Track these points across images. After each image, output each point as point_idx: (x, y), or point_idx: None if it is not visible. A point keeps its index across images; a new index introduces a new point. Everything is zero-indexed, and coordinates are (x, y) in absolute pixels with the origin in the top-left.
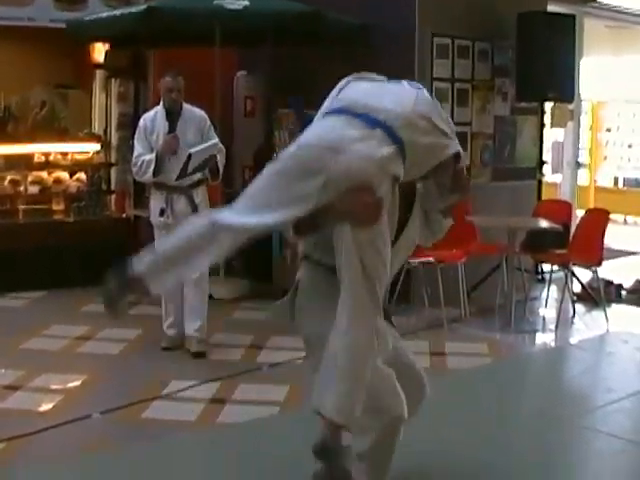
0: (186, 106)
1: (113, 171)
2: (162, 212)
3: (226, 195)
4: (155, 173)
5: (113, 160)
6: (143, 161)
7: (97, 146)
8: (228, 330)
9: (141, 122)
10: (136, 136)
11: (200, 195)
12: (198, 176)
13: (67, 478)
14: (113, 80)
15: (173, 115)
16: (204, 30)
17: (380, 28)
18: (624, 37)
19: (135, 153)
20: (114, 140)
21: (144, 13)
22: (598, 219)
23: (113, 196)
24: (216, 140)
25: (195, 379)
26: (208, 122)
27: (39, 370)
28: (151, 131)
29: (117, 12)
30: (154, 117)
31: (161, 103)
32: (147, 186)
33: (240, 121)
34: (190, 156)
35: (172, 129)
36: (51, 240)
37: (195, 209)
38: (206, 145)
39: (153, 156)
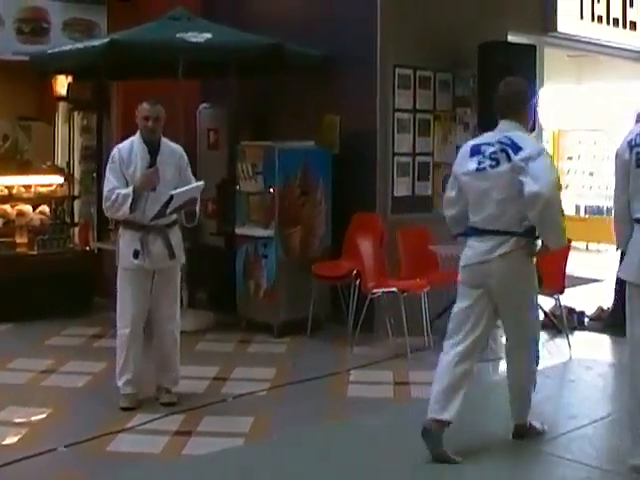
0: (164, 139)
1: (76, 204)
2: (136, 254)
3: (188, 229)
4: (131, 209)
5: (76, 193)
6: (118, 195)
7: (60, 179)
8: (193, 362)
9: (115, 153)
10: (109, 167)
11: (175, 236)
12: (174, 216)
13: None
14: (76, 113)
15: (151, 148)
16: (167, 62)
17: (343, 59)
18: (585, 66)
19: (108, 186)
20: (77, 173)
21: (107, 46)
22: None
23: (76, 229)
24: (201, 182)
25: (160, 412)
26: (186, 158)
27: (3, 403)
28: (128, 164)
29: (80, 45)
30: (130, 148)
31: (138, 133)
32: (111, 221)
33: (203, 153)
34: (172, 197)
35: (152, 163)
36: (15, 273)
37: (172, 251)
38: (190, 187)
39: (130, 191)
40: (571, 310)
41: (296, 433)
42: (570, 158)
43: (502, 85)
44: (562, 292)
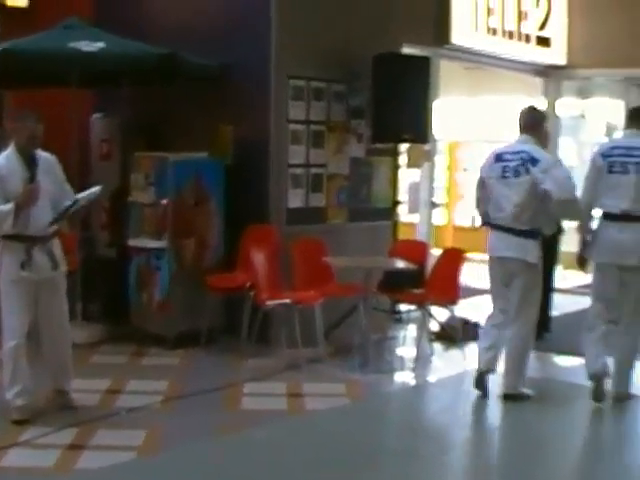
0: (39, 151)
1: None
2: (23, 265)
3: (83, 240)
4: (13, 224)
5: None
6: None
7: None
8: (86, 375)
9: None
10: None
11: (56, 247)
12: (55, 227)
13: None
14: None
15: (29, 161)
16: (60, 72)
17: (237, 69)
18: (481, 78)
19: None
20: None
21: None
22: (454, 258)
23: None
24: (99, 187)
25: (53, 425)
26: (59, 166)
27: None
28: (7, 179)
29: None
30: (7, 164)
31: (12, 147)
32: None
33: (96, 164)
34: (76, 201)
35: (32, 178)
36: None
37: (55, 261)
38: (90, 191)
39: (11, 207)
40: (466, 321)
41: (190, 446)
42: (466, 170)
43: (524, 109)
44: (456, 303)
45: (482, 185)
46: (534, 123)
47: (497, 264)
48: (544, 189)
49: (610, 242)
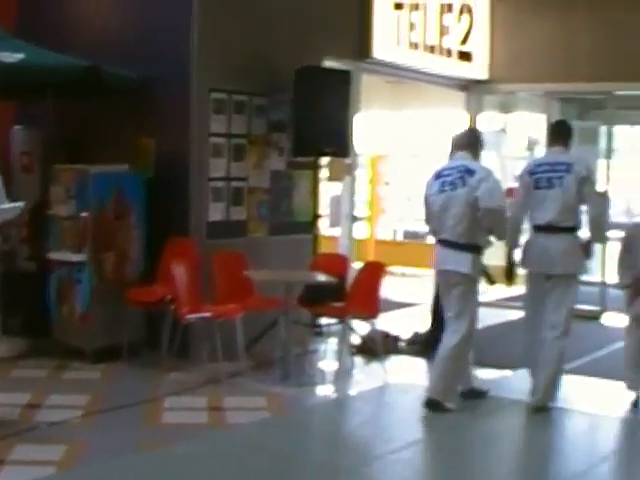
0: None
1: None
2: None
3: (3, 253)
4: None
5: None
6: None
7: None
8: (6, 389)
9: None
10: None
11: None
12: None
13: None
14: None
15: None
16: None
17: (159, 82)
18: (404, 92)
19: None
20: None
21: None
22: (374, 272)
23: None
24: (22, 203)
25: None
26: None
27: None
28: None
29: None
30: None
31: None
32: None
33: (17, 176)
34: None
35: None
36: None
37: None
38: (14, 205)
39: None
40: (386, 334)
41: (110, 461)
42: (388, 183)
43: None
44: (376, 317)
45: (426, 203)
46: (471, 141)
47: (439, 277)
48: (476, 196)
49: (537, 252)
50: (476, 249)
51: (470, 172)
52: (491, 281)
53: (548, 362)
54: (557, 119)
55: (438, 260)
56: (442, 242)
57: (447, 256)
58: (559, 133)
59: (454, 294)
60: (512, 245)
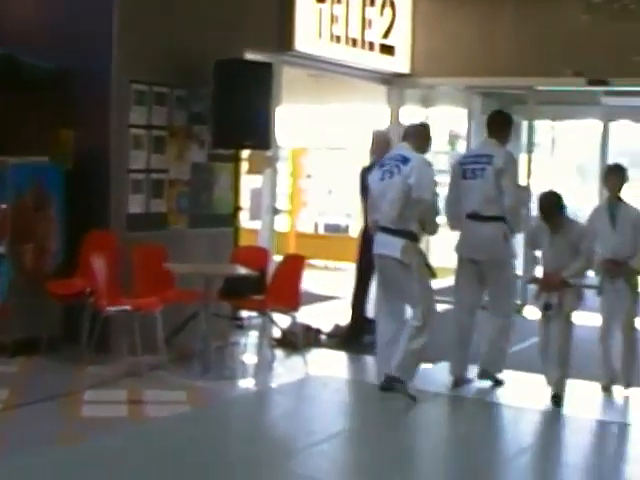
0: None
1: None
2: None
3: None
4: None
5: None
6: None
7: None
8: None
9: None
10: None
11: None
12: None
13: None
14: None
15: None
16: None
17: (77, 73)
18: (326, 86)
19: None
20: None
21: None
22: (295, 264)
23: None
24: None
25: None
26: None
27: None
28: None
29: None
30: None
31: None
32: None
33: None
34: None
35: None
36: None
37: None
38: None
39: None
40: (307, 327)
41: (28, 456)
42: (309, 176)
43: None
44: (297, 310)
45: (369, 192)
46: (415, 133)
47: (376, 262)
48: (409, 183)
49: (465, 239)
50: (409, 235)
51: (405, 160)
52: (432, 273)
53: (493, 338)
54: (494, 110)
55: (376, 245)
56: (380, 228)
57: (383, 241)
58: (490, 125)
59: (392, 280)
60: (451, 228)
